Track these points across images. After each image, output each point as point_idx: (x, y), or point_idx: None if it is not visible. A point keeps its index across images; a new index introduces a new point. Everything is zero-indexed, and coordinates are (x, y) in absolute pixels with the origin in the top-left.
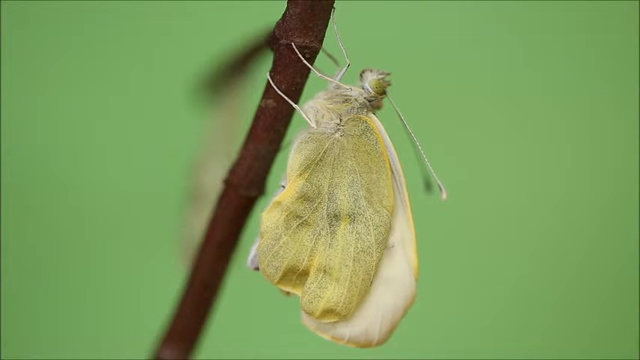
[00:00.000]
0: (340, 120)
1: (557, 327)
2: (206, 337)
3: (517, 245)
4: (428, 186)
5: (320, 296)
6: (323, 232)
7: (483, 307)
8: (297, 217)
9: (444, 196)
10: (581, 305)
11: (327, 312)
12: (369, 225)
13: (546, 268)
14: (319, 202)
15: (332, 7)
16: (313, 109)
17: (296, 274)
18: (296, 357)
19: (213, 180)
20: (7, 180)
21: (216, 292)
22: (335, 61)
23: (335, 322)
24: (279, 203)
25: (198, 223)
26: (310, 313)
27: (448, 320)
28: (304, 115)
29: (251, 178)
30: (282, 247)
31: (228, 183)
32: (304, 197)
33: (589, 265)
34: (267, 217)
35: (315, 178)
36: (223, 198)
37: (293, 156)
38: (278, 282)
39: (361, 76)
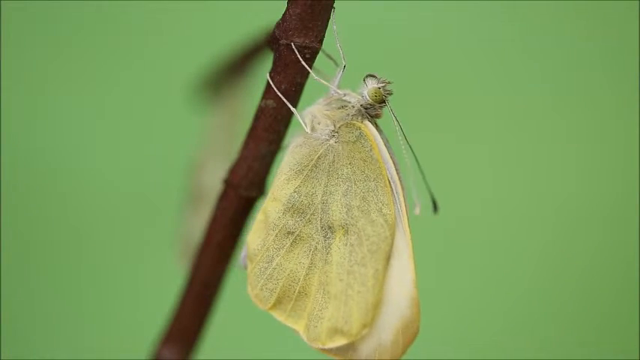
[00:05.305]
0: (335, 126)
1: (558, 329)
2: (206, 337)
3: (515, 246)
4: (414, 205)
5: (321, 317)
6: (319, 247)
7: (481, 313)
8: (289, 233)
9: (435, 210)
10: (584, 309)
11: (333, 332)
12: (362, 235)
13: (547, 269)
14: (312, 214)
15: (332, 7)
16: (311, 115)
17: (292, 299)
18: (295, 357)
19: (213, 180)
20: (7, 180)
21: (216, 292)
22: (335, 61)
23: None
24: (264, 222)
25: (198, 223)
26: (317, 339)
27: (446, 325)
28: (300, 120)
29: (251, 178)
30: (275, 268)
31: (228, 183)
32: (294, 209)
33: (591, 268)
34: (254, 238)
35: (307, 187)
36: (223, 198)
37: (285, 159)
38: (272, 307)
39: (364, 81)
